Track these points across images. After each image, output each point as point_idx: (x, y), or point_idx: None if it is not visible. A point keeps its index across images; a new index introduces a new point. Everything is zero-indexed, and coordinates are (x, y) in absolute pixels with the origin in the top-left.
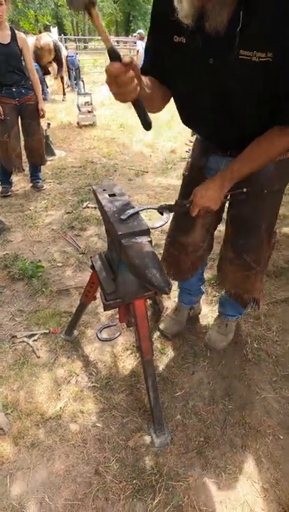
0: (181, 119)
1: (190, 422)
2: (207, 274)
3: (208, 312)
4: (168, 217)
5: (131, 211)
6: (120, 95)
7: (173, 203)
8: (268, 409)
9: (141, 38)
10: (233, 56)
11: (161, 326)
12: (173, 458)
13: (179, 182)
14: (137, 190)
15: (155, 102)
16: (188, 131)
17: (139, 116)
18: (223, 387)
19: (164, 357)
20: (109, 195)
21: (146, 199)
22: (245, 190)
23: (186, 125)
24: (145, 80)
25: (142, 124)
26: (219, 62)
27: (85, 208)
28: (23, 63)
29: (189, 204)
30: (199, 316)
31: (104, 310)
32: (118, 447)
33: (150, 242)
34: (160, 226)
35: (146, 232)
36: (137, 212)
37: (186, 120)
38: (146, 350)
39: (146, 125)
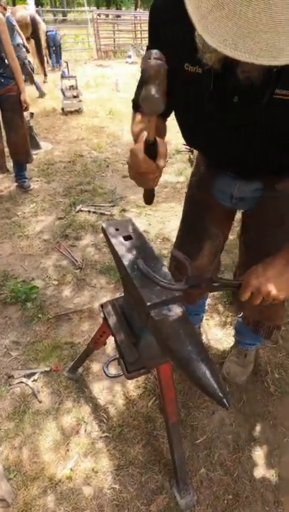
0: (184, 138)
1: (216, 476)
2: None
3: (222, 336)
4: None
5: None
6: (147, 185)
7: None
8: None
9: None
10: (267, 97)
11: None
12: None
13: (176, 179)
14: (133, 189)
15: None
16: None
17: (145, 195)
18: (247, 429)
19: (180, 395)
20: (125, 238)
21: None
22: None
23: (194, 148)
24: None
25: (146, 201)
26: (246, 102)
27: (78, 211)
28: (1, 47)
29: (236, 285)
30: (212, 340)
31: (127, 379)
32: None
33: (186, 313)
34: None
35: (180, 298)
36: (162, 264)
37: (194, 145)
38: (171, 413)
39: (150, 201)
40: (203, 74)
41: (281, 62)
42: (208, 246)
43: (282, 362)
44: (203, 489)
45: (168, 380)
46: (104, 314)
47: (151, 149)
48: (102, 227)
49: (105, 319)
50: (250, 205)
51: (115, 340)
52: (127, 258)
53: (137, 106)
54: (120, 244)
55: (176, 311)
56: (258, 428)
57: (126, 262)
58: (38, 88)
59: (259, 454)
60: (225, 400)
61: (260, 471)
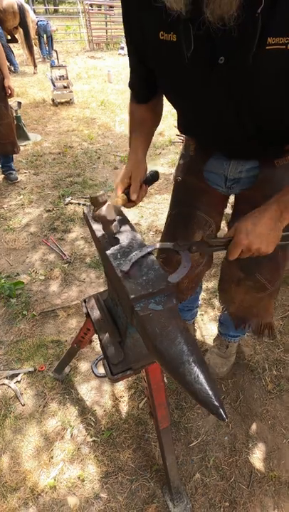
0: (179, 127)
1: (211, 482)
2: (211, 284)
3: (217, 332)
4: (188, 262)
5: (137, 254)
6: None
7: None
8: None
9: None
10: (256, 49)
11: None
12: None
13: (170, 170)
14: None
15: (152, 133)
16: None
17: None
18: (244, 429)
19: (173, 395)
20: None
21: None
22: None
23: (186, 134)
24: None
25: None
26: (234, 60)
27: (67, 204)
28: None
29: (225, 243)
30: (207, 336)
31: (111, 382)
32: None
33: (177, 307)
34: (178, 279)
35: (171, 289)
36: (149, 253)
37: (186, 129)
38: (162, 418)
39: (156, 180)
40: (179, 40)
41: None
42: (198, 236)
43: (281, 358)
44: (198, 496)
45: (158, 382)
46: (87, 310)
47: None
48: (84, 213)
49: (88, 316)
50: (246, 186)
51: (99, 340)
52: (110, 243)
53: (132, 92)
54: (102, 231)
55: (165, 304)
56: (255, 429)
57: (108, 251)
58: (12, 64)
59: (257, 456)
60: (221, 410)
61: (258, 475)
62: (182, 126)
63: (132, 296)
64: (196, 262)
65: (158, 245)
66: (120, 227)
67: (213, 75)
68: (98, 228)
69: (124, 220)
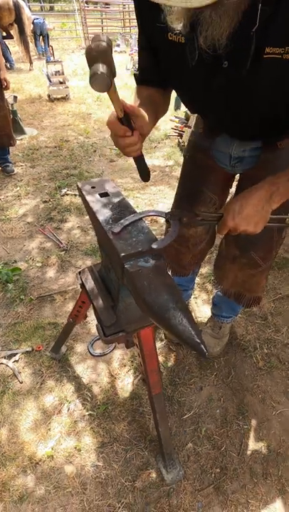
0: (183, 103)
1: (203, 450)
2: (205, 269)
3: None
4: (175, 232)
5: (129, 219)
6: (125, 153)
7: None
8: (286, 426)
9: None
10: (255, 57)
11: (165, 333)
12: (188, 497)
13: (165, 163)
14: (121, 174)
15: (157, 120)
16: (172, 105)
17: (138, 169)
18: (236, 403)
19: (167, 371)
20: (101, 195)
21: (131, 183)
22: None
23: (189, 110)
24: (147, 98)
25: (141, 176)
26: (237, 65)
27: (63, 195)
28: None
29: (216, 218)
30: (200, 318)
31: (104, 343)
32: (124, 490)
33: (165, 265)
34: (164, 245)
35: (158, 250)
36: (140, 219)
37: (193, 112)
38: (154, 384)
39: (145, 177)
40: (187, 43)
41: (194, 5)
42: (203, 210)
43: (272, 337)
44: (190, 463)
45: (150, 348)
46: (81, 281)
47: (124, 121)
48: (78, 186)
49: (83, 286)
50: (249, 165)
51: (93, 306)
52: (102, 213)
53: (138, 78)
54: (96, 201)
55: (154, 262)
56: (246, 402)
57: (101, 217)
58: (8, 61)
59: (247, 427)
60: (202, 346)
61: (249, 444)
62: (189, 109)
63: (123, 254)
64: (199, 239)
65: (150, 213)
66: (111, 197)
67: (216, 78)
68: (91, 198)
69: (118, 195)
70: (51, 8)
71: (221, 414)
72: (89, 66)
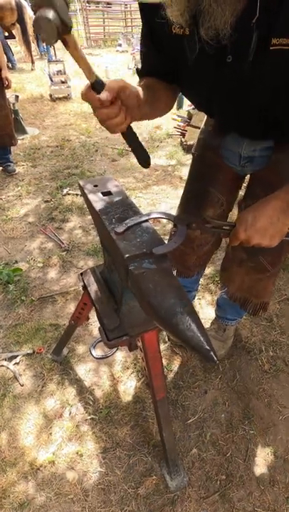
0: (193, 104)
1: (208, 456)
2: (209, 270)
3: (215, 316)
4: (181, 237)
5: (134, 219)
6: (106, 127)
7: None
8: None
9: None
10: (262, 49)
11: (169, 336)
12: (192, 505)
13: (167, 162)
14: (123, 173)
15: (158, 111)
16: (174, 104)
17: (132, 151)
18: (241, 407)
19: (172, 374)
20: (103, 194)
21: (133, 182)
22: None
23: (197, 108)
24: (144, 87)
25: (138, 160)
26: (241, 59)
27: (65, 195)
28: None
29: (229, 228)
30: (204, 320)
31: (107, 347)
32: (127, 497)
33: (171, 267)
34: (166, 251)
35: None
36: (146, 220)
37: (200, 109)
38: (158, 388)
39: (144, 162)
40: (191, 36)
41: None
42: (209, 213)
43: (277, 339)
44: (194, 470)
45: (154, 351)
46: (84, 283)
47: (97, 88)
48: (79, 184)
49: (85, 288)
50: (260, 166)
51: (96, 310)
52: (105, 212)
53: (140, 73)
54: (98, 200)
55: (159, 264)
56: (252, 406)
57: (104, 216)
58: (10, 61)
59: (253, 432)
60: (212, 353)
61: (255, 450)
62: (195, 106)
63: (127, 256)
64: (204, 240)
65: (155, 214)
66: (114, 196)
67: (220, 73)
68: (94, 199)
69: (122, 194)
70: None
71: (226, 418)
72: (34, 14)
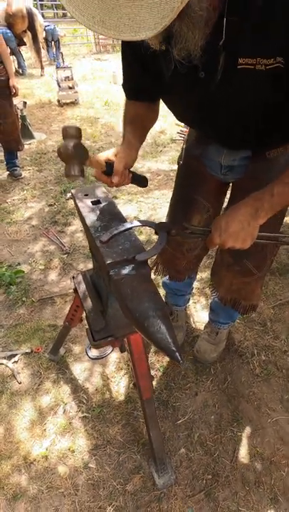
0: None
1: (196, 456)
2: (204, 274)
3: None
4: (162, 244)
5: (118, 228)
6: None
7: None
8: (280, 434)
9: None
10: (230, 68)
11: None
12: (178, 503)
13: (170, 167)
14: None
15: (147, 132)
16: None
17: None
18: (231, 410)
19: (163, 376)
20: (93, 203)
21: (134, 187)
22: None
23: (179, 120)
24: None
25: (139, 186)
26: (212, 76)
27: (68, 199)
28: None
29: (204, 232)
30: (198, 323)
31: (93, 348)
32: (115, 493)
33: (149, 273)
34: (147, 258)
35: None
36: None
37: (178, 118)
38: (144, 388)
39: (143, 185)
40: (166, 53)
41: (141, 37)
42: (196, 220)
43: (270, 344)
44: (182, 469)
45: (139, 352)
46: (74, 285)
47: (108, 171)
48: (71, 193)
49: (76, 291)
50: (240, 174)
51: (84, 310)
52: (91, 219)
53: (128, 92)
54: (86, 208)
55: (138, 270)
56: (241, 409)
57: (90, 224)
58: (21, 67)
59: (241, 434)
60: (177, 354)
61: (242, 452)
62: (176, 118)
63: (108, 262)
64: (194, 244)
65: (138, 223)
66: (103, 205)
67: (195, 88)
68: (83, 205)
69: (110, 203)
70: (64, 15)
71: (216, 420)
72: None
